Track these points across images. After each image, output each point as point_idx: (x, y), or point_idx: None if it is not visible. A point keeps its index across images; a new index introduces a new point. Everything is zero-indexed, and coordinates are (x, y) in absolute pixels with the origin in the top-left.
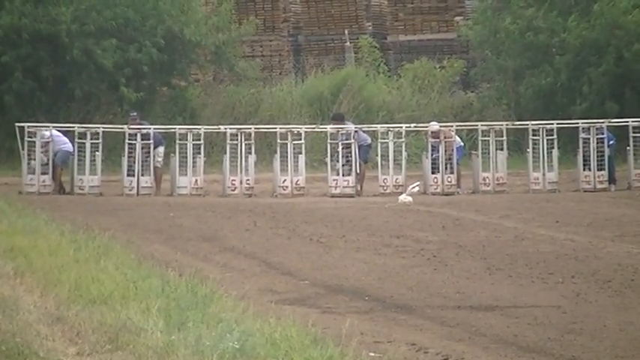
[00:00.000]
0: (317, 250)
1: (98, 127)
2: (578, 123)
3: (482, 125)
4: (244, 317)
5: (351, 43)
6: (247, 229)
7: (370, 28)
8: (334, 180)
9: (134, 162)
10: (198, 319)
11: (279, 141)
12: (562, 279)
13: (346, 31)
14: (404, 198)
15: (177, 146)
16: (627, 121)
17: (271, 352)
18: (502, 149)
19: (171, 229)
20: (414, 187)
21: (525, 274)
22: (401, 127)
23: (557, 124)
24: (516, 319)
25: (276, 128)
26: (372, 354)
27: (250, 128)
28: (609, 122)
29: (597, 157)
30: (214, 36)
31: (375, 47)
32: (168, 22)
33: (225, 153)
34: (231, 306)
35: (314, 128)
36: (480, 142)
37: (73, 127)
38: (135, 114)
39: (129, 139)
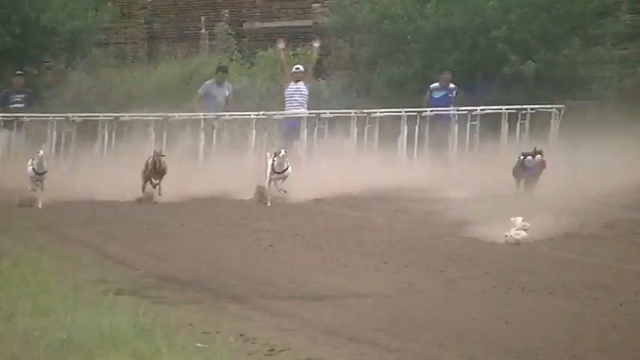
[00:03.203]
0: (154, 240)
1: None
2: (426, 110)
3: (330, 113)
4: (75, 307)
5: (207, 30)
6: (85, 219)
7: (227, 15)
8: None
9: None
10: (28, 309)
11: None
12: (396, 268)
13: (202, 19)
14: (515, 233)
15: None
16: (476, 109)
17: (99, 343)
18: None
19: (7, 218)
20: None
21: (360, 263)
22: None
23: (405, 111)
24: (346, 309)
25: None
26: (200, 344)
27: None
28: (457, 110)
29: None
30: (70, 23)
31: (230, 34)
32: (25, 9)
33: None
34: (63, 296)
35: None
36: (326, 130)
37: None
38: (22, 72)
39: None
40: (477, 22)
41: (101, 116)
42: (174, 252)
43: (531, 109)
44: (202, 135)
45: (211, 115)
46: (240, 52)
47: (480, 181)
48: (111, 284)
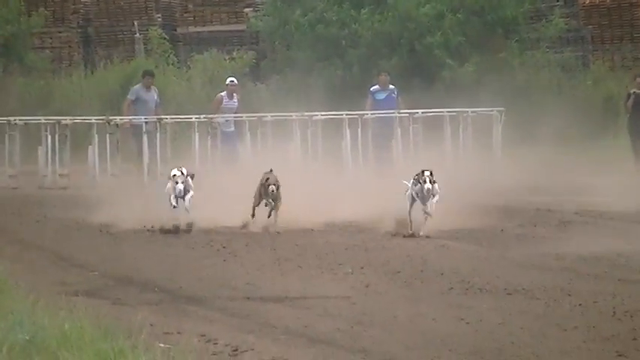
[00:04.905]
0: (107, 242)
1: None
2: (367, 114)
3: (271, 116)
4: (35, 310)
5: (140, 34)
6: (37, 221)
7: (160, 19)
8: None
9: None
10: None
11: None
12: (351, 270)
13: (135, 23)
14: None
15: None
16: (417, 112)
17: (62, 344)
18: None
19: None
20: None
21: (315, 265)
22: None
23: (346, 114)
24: (306, 310)
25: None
26: (163, 345)
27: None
28: (399, 113)
29: None
30: (4, 28)
31: (165, 39)
32: None
33: None
34: (22, 299)
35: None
36: (269, 133)
37: None
38: None
39: None
40: (411, 28)
41: (43, 119)
42: (129, 254)
43: (472, 111)
44: (145, 138)
45: (152, 118)
46: (177, 56)
47: None
48: (68, 286)
